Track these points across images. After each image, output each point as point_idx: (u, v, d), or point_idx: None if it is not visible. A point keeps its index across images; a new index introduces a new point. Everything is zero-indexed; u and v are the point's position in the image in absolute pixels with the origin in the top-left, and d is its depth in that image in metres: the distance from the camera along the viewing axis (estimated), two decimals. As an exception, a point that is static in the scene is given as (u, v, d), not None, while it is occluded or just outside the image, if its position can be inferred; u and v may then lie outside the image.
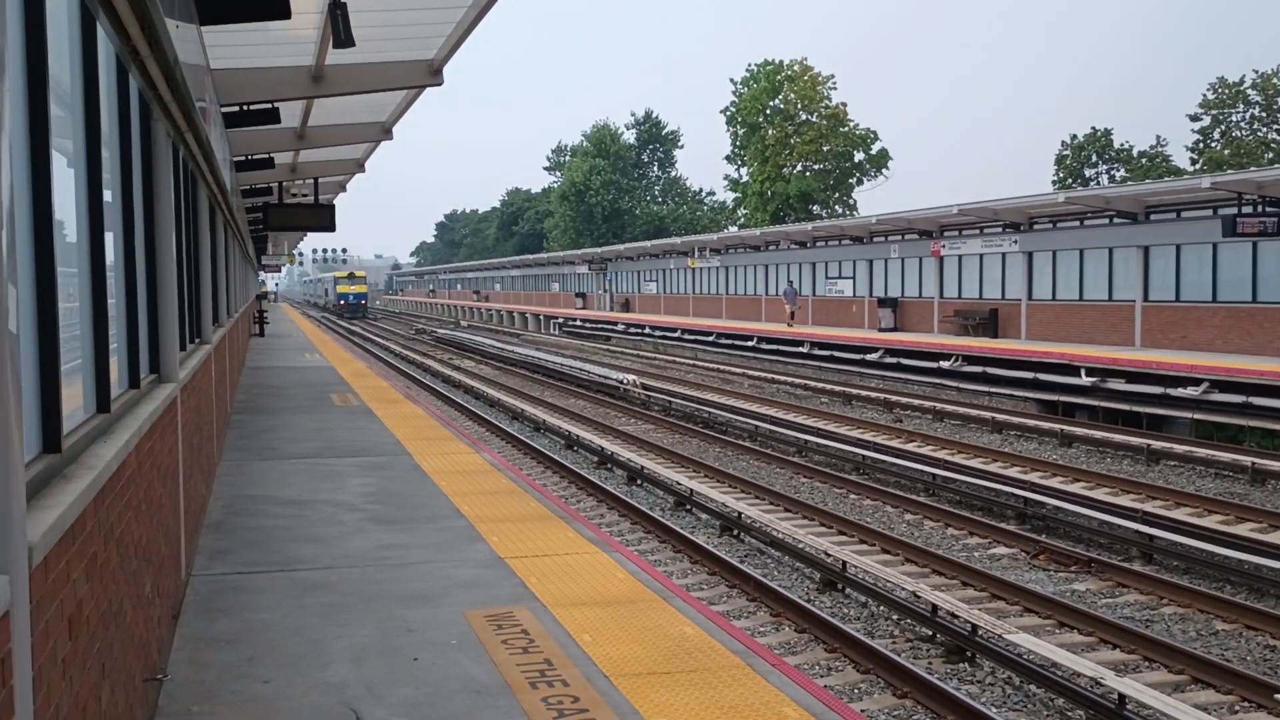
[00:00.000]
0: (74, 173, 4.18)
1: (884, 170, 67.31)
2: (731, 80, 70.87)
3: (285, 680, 5.82)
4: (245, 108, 12.85)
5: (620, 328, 58.45)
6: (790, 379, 33.54)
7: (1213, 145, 58.97)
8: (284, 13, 7.75)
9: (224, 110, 12.08)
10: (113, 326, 4.90)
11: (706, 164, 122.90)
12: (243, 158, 17.26)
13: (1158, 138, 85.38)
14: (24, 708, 2.57)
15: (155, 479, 5.77)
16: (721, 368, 38.64)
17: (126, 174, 5.55)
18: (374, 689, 5.67)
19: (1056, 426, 22.29)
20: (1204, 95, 59.97)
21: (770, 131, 66.59)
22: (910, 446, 20.21)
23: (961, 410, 25.29)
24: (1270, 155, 55.07)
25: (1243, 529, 13.61)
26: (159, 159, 6.76)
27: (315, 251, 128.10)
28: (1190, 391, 23.16)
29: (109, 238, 4.85)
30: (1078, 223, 32.78)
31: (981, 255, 36.20)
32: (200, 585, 7.68)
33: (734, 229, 70.19)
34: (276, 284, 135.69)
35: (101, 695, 3.78)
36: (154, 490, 5.70)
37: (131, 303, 5.64)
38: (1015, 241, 34.34)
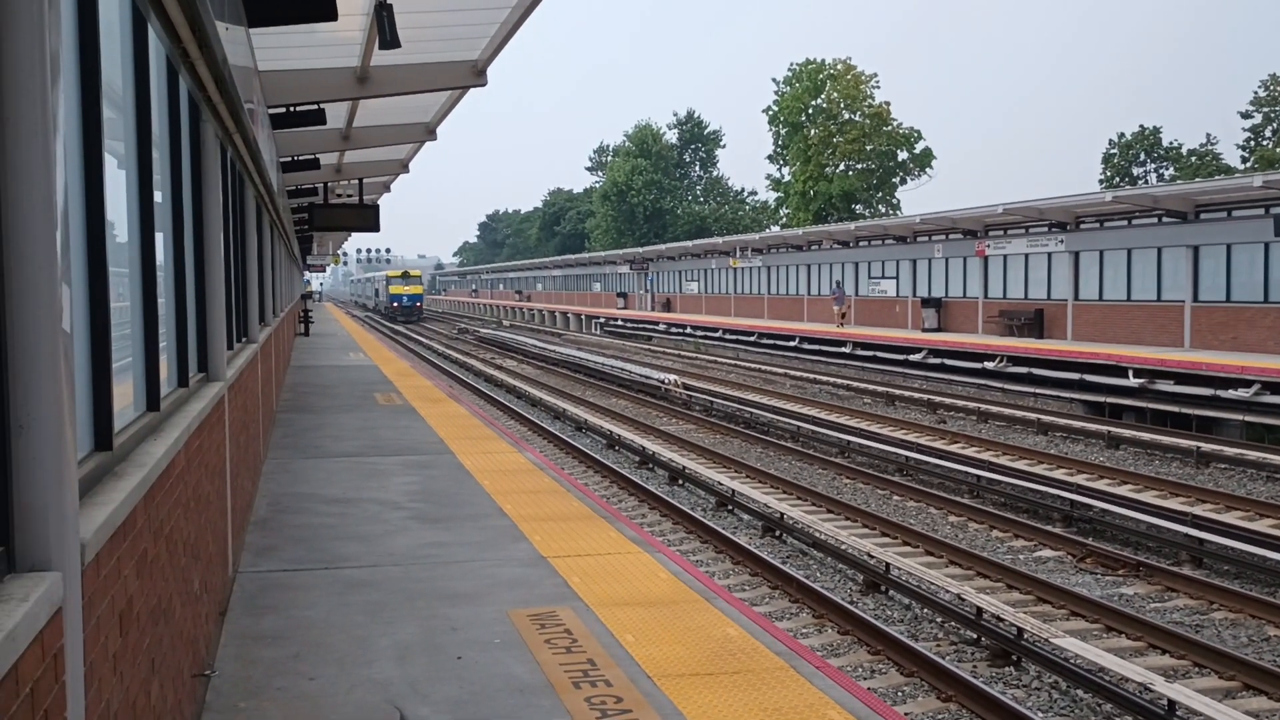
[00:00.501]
0: (125, 174, 4.23)
1: (928, 169, 66.85)
2: (774, 79, 70.62)
3: (330, 677, 5.86)
4: (292, 109, 12.99)
5: (661, 328, 58.44)
6: (833, 379, 33.37)
7: (1264, 143, 58.06)
8: (330, 14, 7.82)
9: (271, 111, 12.21)
10: (162, 326, 4.96)
11: (748, 164, 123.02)
12: (289, 158, 17.43)
13: (1208, 136, 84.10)
14: (76, 702, 2.60)
15: (203, 477, 5.83)
16: (763, 368, 38.53)
17: (176, 175, 5.62)
18: (418, 687, 5.70)
19: (1103, 428, 22.02)
20: (1255, 92, 59.14)
21: (813, 131, 66.32)
22: (954, 448, 20.05)
23: (1006, 411, 25.05)
24: (1324, 153, 54.10)
25: (1295, 533, 13.36)
26: (207, 160, 6.84)
27: (359, 251, 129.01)
28: (1241, 393, 22.80)
29: (159, 238, 4.90)
30: (1125, 222, 32.37)
31: (1027, 255, 35.83)
32: (247, 582, 7.75)
33: (776, 229, 69.95)
34: (321, 284, 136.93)
35: (151, 690, 3.82)
36: (202, 488, 5.77)
37: (181, 302, 5.70)
38: (1061, 241, 33.96)
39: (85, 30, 3.25)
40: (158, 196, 4.92)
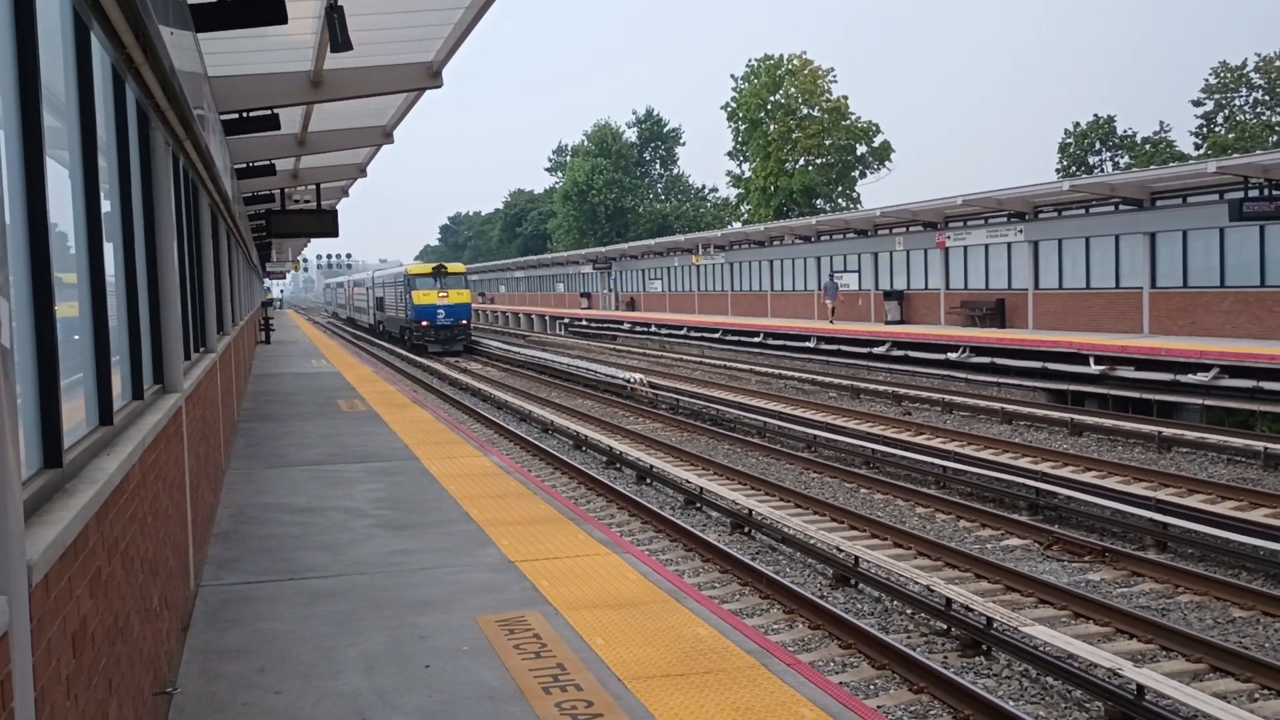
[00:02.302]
0: (71, 184, 4.14)
1: (887, 163, 67.22)
2: (732, 76, 70.98)
3: (297, 690, 5.77)
4: (245, 115, 12.82)
5: (626, 327, 58.40)
6: (797, 374, 33.47)
7: (1217, 130, 58.86)
8: (280, 18, 7.71)
9: (223, 118, 12.05)
10: (114, 338, 4.86)
11: (709, 160, 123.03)
12: (244, 165, 17.23)
13: (1161, 124, 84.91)
14: (27, 729, 2.53)
15: (161, 490, 5.73)
16: (728, 364, 38.58)
17: (125, 183, 5.51)
18: (386, 697, 5.63)
19: (1066, 416, 22.20)
20: (1206, 80, 59.95)
21: (772, 126, 66.50)
22: (920, 439, 20.14)
23: (970, 401, 25.21)
24: (1275, 138, 54.95)
25: (1257, 514, 13.53)
26: (158, 168, 6.72)
27: (319, 257, 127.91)
28: (1200, 378, 23.06)
29: (108, 248, 4.80)
30: (1083, 211, 32.67)
31: (987, 245, 36.09)
32: (210, 596, 7.63)
33: (738, 225, 70.10)
34: (282, 290, 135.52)
35: (109, 711, 3.74)
36: (160, 502, 5.66)
37: (133, 313, 5.59)
38: (1021, 231, 34.24)
39: (23, 38, 3.16)
40: (106, 206, 4.81)
